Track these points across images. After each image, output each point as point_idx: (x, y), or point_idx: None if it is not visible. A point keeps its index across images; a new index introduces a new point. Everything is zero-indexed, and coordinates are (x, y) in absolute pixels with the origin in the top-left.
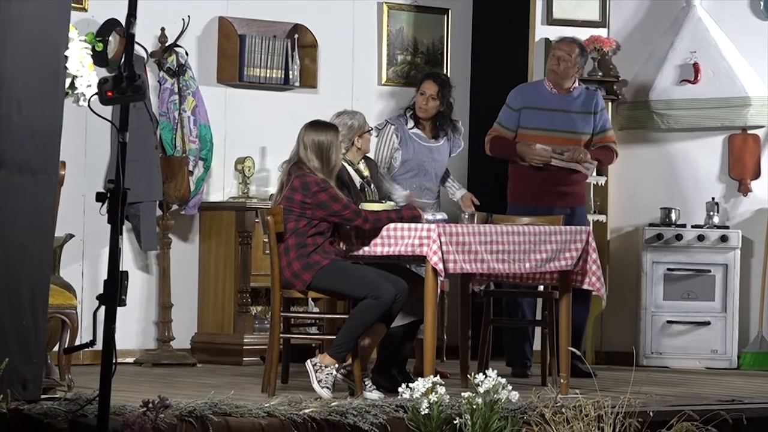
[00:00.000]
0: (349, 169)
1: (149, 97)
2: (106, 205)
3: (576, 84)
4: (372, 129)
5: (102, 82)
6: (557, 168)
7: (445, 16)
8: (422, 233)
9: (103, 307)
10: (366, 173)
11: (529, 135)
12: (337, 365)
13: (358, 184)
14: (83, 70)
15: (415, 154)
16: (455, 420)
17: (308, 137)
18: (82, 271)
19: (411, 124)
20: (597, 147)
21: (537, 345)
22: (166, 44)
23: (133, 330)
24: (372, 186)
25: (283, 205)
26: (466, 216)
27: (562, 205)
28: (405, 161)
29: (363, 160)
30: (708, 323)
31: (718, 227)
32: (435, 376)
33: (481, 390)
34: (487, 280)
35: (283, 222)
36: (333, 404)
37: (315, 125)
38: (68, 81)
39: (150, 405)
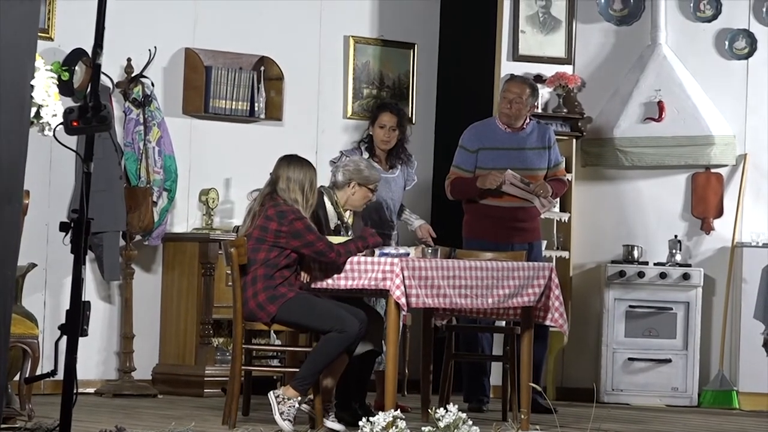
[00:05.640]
0: (329, 206)
1: (114, 128)
2: (69, 234)
3: (528, 120)
4: (375, 191)
5: (67, 112)
6: (511, 204)
7: (411, 51)
8: (385, 267)
9: (64, 337)
10: (348, 220)
11: (484, 174)
12: (299, 398)
13: (332, 224)
14: (49, 100)
15: None
16: None
17: (293, 173)
18: (44, 300)
19: (366, 155)
20: (550, 180)
21: (494, 380)
22: (132, 75)
23: (94, 360)
24: (350, 233)
25: (256, 234)
26: (429, 251)
27: (521, 240)
28: None
29: (350, 211)
30: (669, 361)
31: (681, 265)
32: (396, 410)
33: (441, 425)
34: (449, 314)
35: (254, 252)
36: None
37: (298, 161)
38: (33, 110)
39: None
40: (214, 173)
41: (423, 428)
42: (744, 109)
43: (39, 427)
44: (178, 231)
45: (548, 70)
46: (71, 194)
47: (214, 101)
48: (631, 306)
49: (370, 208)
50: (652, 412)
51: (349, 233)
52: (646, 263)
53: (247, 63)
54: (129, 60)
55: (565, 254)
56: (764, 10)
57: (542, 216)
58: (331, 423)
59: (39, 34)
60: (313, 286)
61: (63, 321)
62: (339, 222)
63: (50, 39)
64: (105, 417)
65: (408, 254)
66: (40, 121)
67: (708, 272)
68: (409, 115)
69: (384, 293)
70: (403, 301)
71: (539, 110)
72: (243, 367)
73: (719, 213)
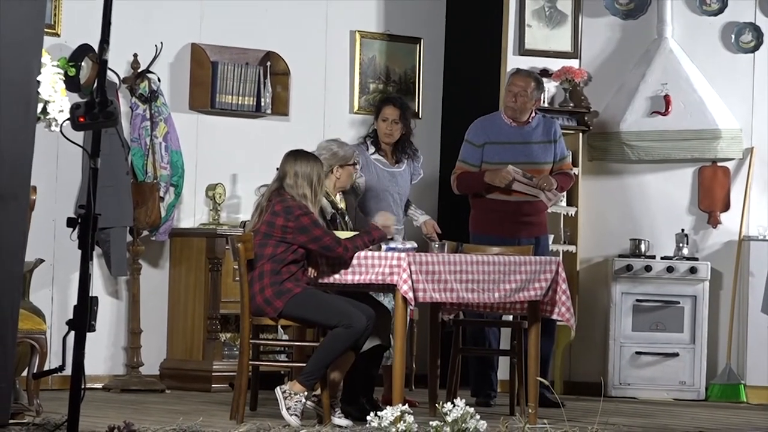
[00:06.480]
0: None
1: (121, 123)
2: (76, 230)
3: (533, 114)
4: (357, 163)
5: (74, 108)
6: (518, 199)
7: (418, 46)
8: (392, 262)
9: (72, 333)
10: (341, 205)
11: (493, 169)
12: (306, 393)
13: (328, 215)
14: (55, 96)
15: (378, 180)
16: None
17: (300, 168)
18: (51, 296)
19: (372, 150)
20: (556, 174)
21: (502, 375)
22: (139, 70)
23: (102, 355)
24: (346, 218)
25: (263, 230)
26: (437, 245)
27: (527, 235)
28: (369, 187)
29: (341, 193)
30: (676, 355)
31: (688, 259)
32: (403, 404)
33: (449, 419)
34: (456, 309)
35: (261, 247)
36: None
37: (305, 156)
38: (40, 106)
39: (115, 430)
40: (221, 168)
41: (431, 423)
42: (750, 103)
43: (47, 423)
44: (185, 226)
45: (554, 65)
46: (78, 190)
47: (220, 96)
48: (638, 300)
49: (377, 203)
50: (660, 406)
51: (346, 219)
52: (653, 257)
53: (253, 58)
54: (135, 55)
55: (572, 248)
56: None
57: (549, 210)
58: (337, 419)
59: (45, 29)
60: (320, 281)
61: (70, 316)
62: (334, 210)
63: (57, 35)
64: (113, 412)
65: (415, 248)
66: (47, 117)
67: (715, 266)
68: (416, 110)
69: (391, 288)
70: (410, 295)
71: (545, 104)
72: (250, 362)
73: (726, 207)
